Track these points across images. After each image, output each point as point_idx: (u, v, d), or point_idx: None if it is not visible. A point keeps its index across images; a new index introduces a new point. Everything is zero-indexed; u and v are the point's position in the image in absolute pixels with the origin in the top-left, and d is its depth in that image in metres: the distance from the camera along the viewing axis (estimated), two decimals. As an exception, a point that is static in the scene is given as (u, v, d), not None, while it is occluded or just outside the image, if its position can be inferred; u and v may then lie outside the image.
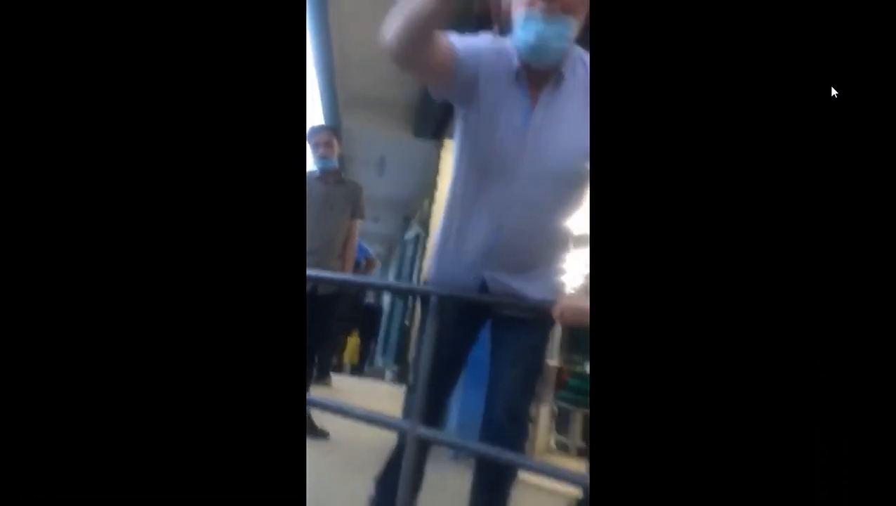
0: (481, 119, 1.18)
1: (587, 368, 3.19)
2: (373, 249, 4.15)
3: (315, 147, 2.69)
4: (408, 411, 1.39)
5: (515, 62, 1.15)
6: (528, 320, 1.27)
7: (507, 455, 1.25)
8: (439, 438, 1.36)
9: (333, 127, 3.11)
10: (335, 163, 2.79)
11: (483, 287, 1.27)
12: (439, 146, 5.54)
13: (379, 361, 9.52)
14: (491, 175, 1.19)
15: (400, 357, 5.71)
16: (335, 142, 2.75)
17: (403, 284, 1.48)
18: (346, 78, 4.90)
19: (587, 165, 1.13)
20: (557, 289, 1.25)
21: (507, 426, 1.29)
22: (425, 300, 1.37)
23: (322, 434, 2.81)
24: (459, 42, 1.13)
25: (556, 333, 3.19)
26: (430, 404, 1.31)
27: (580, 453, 3.11)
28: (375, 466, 1.45)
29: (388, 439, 1.45)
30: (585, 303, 1.01)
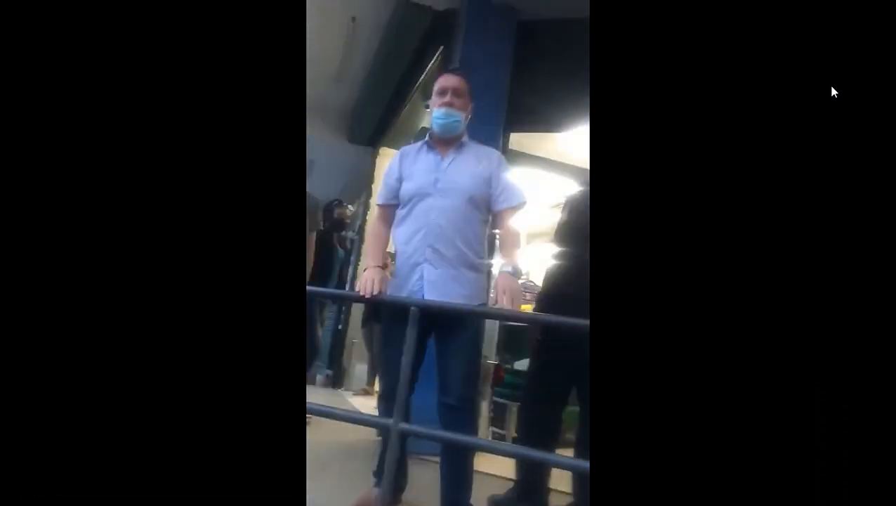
0: (406, 177, 1.81)
1: (521, 366, 3.45)
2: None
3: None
4: (387, 410, 1.60)
5: (426, 138, 1.84)
6: (463, 320, 1.69)
7: (480, 442, 1.48)
8: (421, 432, 1.54)
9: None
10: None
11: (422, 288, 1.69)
12: (374, 153, 5.62)
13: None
14: (416, 200, 1.76)
15: (333, 362, 5.73)
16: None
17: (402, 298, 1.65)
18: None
19: (479, 195, 1.75)
20: (482, 288, 1.76)
21: (459, 409, 1.63)
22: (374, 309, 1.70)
23: None
24: (381, 194, 1.90)
25: (493, 333, 3.45)
26: (400, 404, 1.52)
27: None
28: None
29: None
30: (515, 282, 1.57)
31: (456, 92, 1.77)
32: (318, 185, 7.60)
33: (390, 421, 1.52)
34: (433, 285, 1.68)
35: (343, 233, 3.59)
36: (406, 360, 1.51)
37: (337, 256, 3.52)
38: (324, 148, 6.17)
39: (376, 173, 5.51)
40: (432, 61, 3.79)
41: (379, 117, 5.15)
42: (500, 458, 1.98)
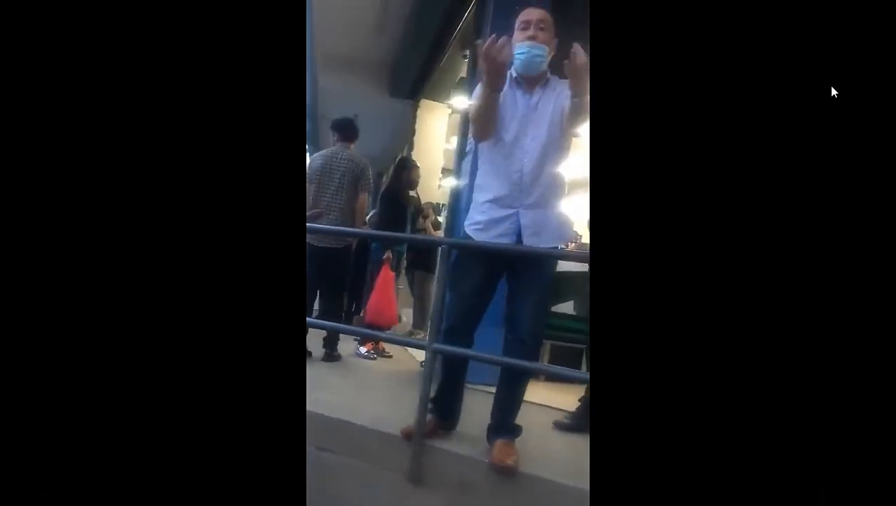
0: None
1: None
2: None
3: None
4: (453, 345, 1.80)
5: (511, 74, 1.75)
6: (541, 261, 1.75)
7: (525, 365, 1.68)
8: (460, 352, 1.74)
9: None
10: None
11: (518, 232, 1.72)
12: (415, 106, 5.70)
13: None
14: (506, 142, 1.74)
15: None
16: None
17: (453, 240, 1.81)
18: (324, 39, 4.99)
19: (569, 130, 1.71)
20: (561, 237, 1.80)
21: (529, 344, 1.76)
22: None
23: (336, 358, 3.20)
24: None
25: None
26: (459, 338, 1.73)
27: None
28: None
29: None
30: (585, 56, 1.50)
31: (540, 25, 1.69)
32: (362, 139, 7.80)
33: (425, 340, 1.73)
34: (530, 231, 1.72)
35: (412, 193, 3.76)
36: (479, 299, 1.68)
37: (409, 213, 3.71)
38: (366, 102, 6.30)
39: (417, 126, 5.61)
40: (469, 9, 3.81)
41: (418, 69, 5.21)
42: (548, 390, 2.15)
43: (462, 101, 4.86)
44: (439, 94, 5.34)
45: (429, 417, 1.81)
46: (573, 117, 1.64)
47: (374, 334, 3.35)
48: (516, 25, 1.74)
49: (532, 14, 1.71)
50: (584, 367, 3.06)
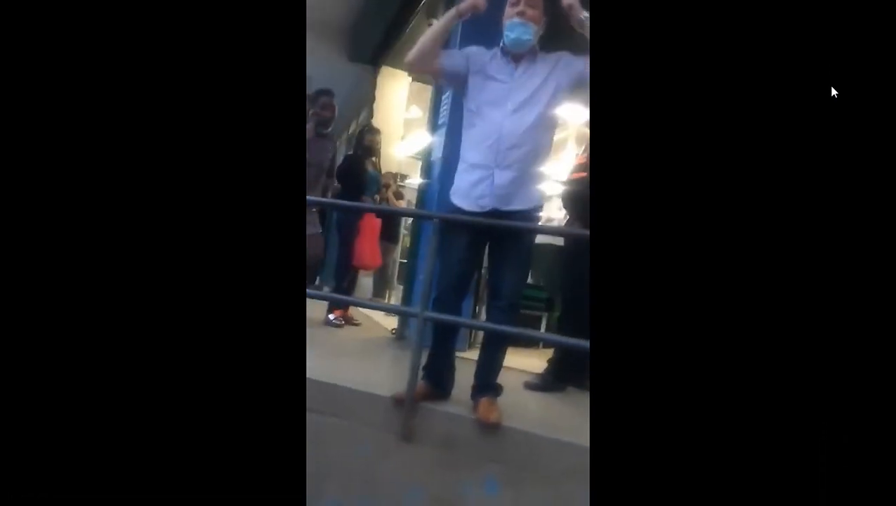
0: (475, 82, 1.89)
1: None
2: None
3: (319, 110, 3.16)
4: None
5: (500, 46, 1.88)
6: (518, 231, 1.87)
7: (517, 330, 1.90)
8: (450, 319, 1.86)
9: (331, 92, 3.44)
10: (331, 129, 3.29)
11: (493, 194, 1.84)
12: (375, 72, 5.62)
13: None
14: (488, 107, 1.86)
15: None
16: (335, 106, 3.23)
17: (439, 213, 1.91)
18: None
19: (552, 103, 1.84)
20: (531, 199, 1.91)
21: (510, 312, 1.91)
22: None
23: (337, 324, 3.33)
24: (447, 55, 1.92)
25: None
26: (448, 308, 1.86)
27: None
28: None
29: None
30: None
31: (529, 2, 1.78)
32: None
33: (417, 310, 1.84)
34: (502, 191, 1.82)
35: (374, 159, 3.77)
36: (464, 267, 1.80)
37: (372, 178, 3.71)
38: (322, 66, 6.14)
39: (378, 93, 5.55)
40: (438, -21, 3.79)
41: (380, 35, 5.13)
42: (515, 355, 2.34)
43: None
44: (400, 62, 5.29)
45: (420, 383, 1.93)
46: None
47: (362, 302, 3.45)
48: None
49: None
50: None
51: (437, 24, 1.86)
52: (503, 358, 1.99)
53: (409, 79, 5.48)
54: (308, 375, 2.07)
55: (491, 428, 1.81)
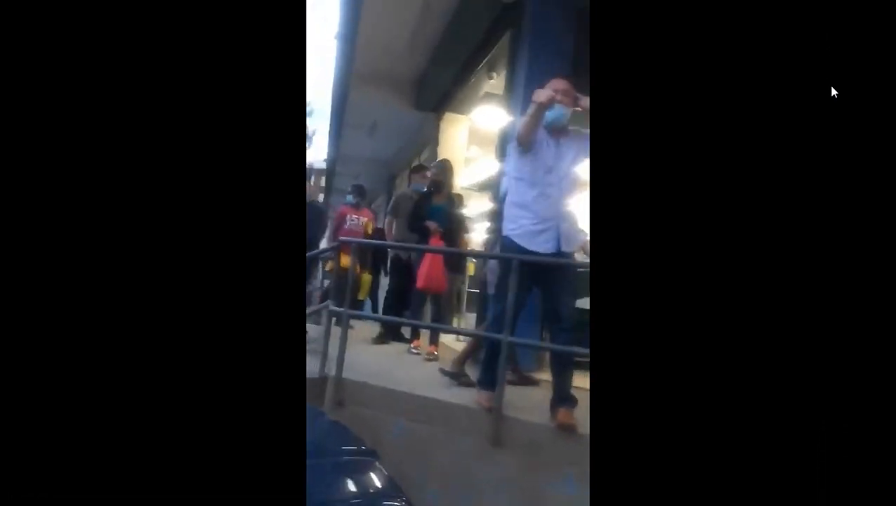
0: (531, 154, 2.49)
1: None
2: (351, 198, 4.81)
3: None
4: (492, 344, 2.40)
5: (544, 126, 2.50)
6: (563, 266, 2.39)
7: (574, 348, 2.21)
8: (526, 342, 2.25)
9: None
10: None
11: (557, 242, 2.39)
12: (439, 118, 6.14)
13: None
14: (540, 174, 2.47)
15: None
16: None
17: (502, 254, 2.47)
18: (363, 55, 5.42)
19: (583, 168, 2.44)
20: (575, 240, 2.49)
21: (572, 331, 2.32)
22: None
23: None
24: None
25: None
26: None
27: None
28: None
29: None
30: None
31: (563, 93, 2.39)
32: (380, 146, 8.28)
33: (503, 336, 2.25)
34: (567, 238, 2.39)
35: (445, 192, 3.89)
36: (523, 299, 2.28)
37: (438, 210, 3.78)
38: (387, 112, 6.73)
39: (441, 136, 6.04)
40: (501, 40, 4.28)
41: (445, 87, 5.64)
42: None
43: (482, 112, 5.32)
44: (465, 109, 5.79)
45: (481, 393, 2.40)
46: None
47: (451, 329, 3.98)
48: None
49: (557, 84, 2.42)
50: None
51: (532, 114, 2.39)
52: (572, 373, 2.36)
53: (469, 122, 5.97)
54: (406, 390, 2.50)
55: (568, 433, 2.16)
